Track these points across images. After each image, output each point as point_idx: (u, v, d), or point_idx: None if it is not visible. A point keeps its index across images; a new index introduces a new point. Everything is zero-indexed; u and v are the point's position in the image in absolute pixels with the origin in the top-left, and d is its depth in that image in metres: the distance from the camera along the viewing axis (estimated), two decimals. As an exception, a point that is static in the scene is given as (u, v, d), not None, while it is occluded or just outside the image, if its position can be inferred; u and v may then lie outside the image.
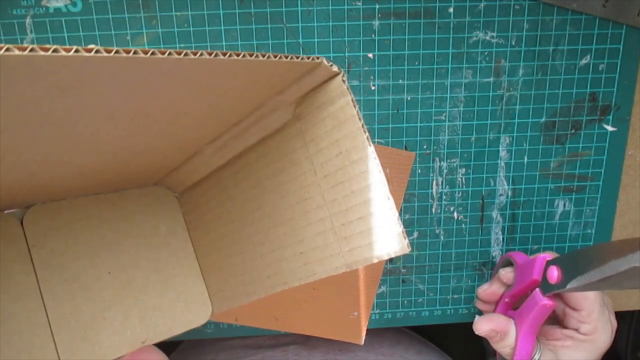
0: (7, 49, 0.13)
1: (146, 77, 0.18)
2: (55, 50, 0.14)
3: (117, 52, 0.16)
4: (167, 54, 0.17)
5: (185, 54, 0.17)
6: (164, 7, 0.36)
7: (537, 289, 0.34)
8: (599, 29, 0.38)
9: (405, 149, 0.40)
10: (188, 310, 0.35)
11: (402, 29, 0.38)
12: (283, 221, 0.28)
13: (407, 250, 0.21)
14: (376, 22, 0.37)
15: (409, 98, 0.39)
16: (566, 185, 0.42)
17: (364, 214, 0.23)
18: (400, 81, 0.39)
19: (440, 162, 0.41)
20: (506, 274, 0.38)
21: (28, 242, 0.31)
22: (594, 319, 0.35)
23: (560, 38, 0.39)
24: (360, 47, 0.38)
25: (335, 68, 0.23)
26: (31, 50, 0.14)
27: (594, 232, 0.43)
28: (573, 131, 0.41)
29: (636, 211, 0.43)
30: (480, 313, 0.42)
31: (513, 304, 0.38)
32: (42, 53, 0.14)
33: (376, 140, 0.40)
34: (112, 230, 0.34)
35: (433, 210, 0.42)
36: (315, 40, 0.37)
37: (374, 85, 0.39)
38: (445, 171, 0.41)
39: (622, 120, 0.41)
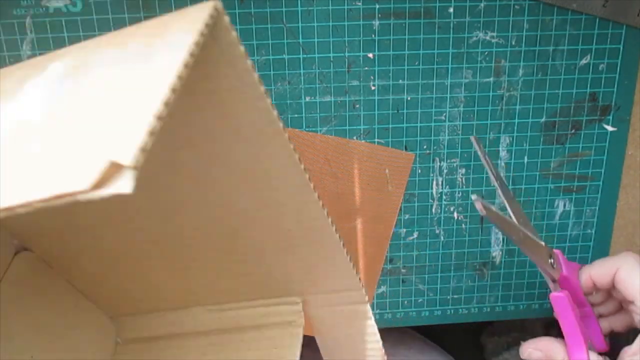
0: None
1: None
2: None
3: None
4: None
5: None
6: (164, 7, 0.36)
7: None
8: (599, 29, 0.38)
9: (405, 149, 0.40)
10: None
11: (402, 29, 0.38)
12: None
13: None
14: (376, 22, 0.37)
15: (409, 98, 0.39)
16: (566, 185, 0.42)
17: None
18: (400, 81, 0.39)
19: (440, 162, 0.41)
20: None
21: None
22: None
23: (560, 38, 0.39)
24: (360, 47, 0.38)
25: None
26: None
27: (594, 232, 0.43)
28: (573, 131, 0.41)
29: (636, 211, 0.43)
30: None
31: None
32: None
33: (376, 140, 0.40)
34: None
35: (433, 210, 0.42)
36: (315, 40, 0.37)
37: (374, 85, 0.39)
38: (445, 171, 0.41)
39: (622, 120, 0.41)
